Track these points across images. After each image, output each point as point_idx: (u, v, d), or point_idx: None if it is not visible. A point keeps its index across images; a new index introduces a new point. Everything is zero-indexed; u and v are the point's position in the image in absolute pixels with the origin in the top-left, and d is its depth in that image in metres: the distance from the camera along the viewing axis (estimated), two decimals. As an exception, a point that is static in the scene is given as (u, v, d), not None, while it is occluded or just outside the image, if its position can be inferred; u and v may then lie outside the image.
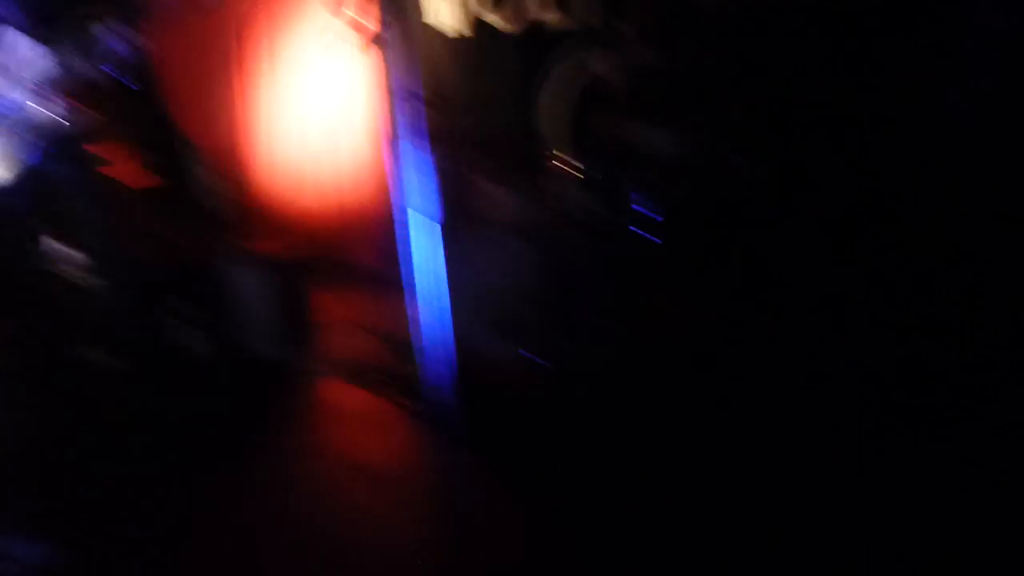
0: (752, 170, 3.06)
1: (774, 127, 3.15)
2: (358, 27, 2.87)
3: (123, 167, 3.67)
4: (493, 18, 4.13)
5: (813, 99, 3.10)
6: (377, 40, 3.27)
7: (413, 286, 3.05)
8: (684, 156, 3.20)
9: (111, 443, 2.93)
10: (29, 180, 2.76)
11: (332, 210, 4.72)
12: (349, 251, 4.72)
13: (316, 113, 4.63)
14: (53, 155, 2.77)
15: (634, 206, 3.21)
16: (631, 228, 3.22)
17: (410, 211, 3.01)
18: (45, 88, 2.63)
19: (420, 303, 3.04)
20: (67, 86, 2.69)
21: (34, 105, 2.65)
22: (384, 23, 3.18)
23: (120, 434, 2.97)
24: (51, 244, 2.97)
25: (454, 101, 4.27)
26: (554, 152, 3.80)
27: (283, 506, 2.70)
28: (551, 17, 3.95)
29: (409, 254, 3.05)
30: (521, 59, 4.11)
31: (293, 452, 3.09)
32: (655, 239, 3.20)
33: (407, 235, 3.03)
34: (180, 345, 3.28)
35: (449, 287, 3.03)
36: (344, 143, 4.57)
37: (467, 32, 4.21)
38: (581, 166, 3.33)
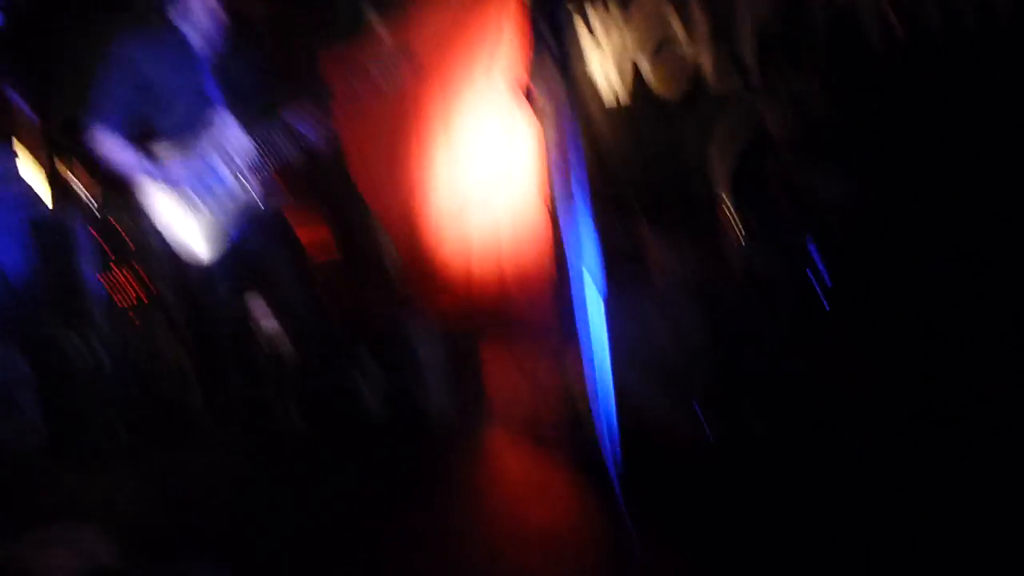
0: (928, 219, 2.88)
1: (950, 176, 2.97)
2: (525, 93, 3.00)
3: (313, 237, 4.01)
4: (656, 77, 4.21)
5: (989, 148, 2.92)
6: (542, 104, 3.40)
7: (581, 345, 3.06)
8: (856, 207, 3.06)
9: (291, 490, 3.12)
10: (233, 250, 3.05)
11: (502, 272, 4.86)
12: (518, 312, 4.82)
13: (487, 180, 4.82)
14: (254, 227, 3.05)
15: (806, 259, 3.09)
16: (803, 281, 3.09)
17: (577, 270, 3.04)
18: (247, 166, 2.93)
19: (588, 362, 3.04)
20: (266, 164, 2.98)
21: (238, 181, 2.95)
22: (549, 88, 3.30)
23: (299, 482, 3.16)
24: (253, 307, 3.25)
25: (619, 158, 4.35)
26: (722, 206, 3.75)
27: (451, 565, 2.74)
28: (715, 72, 4.00)
29: (577, 313, 3.07)
30: (685, 114, 4.15)
31: (460, 511, 3.14)
32: (827, 292, 3.06)
33: (575, 294, 3.06)
34: (359, 402, 3.46)
35: (617, 346, 3.01)
36: (513, 206, 4.72)
37: (630, 89, 4.32)
38: (749, 219, 3.26)
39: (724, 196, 4.07)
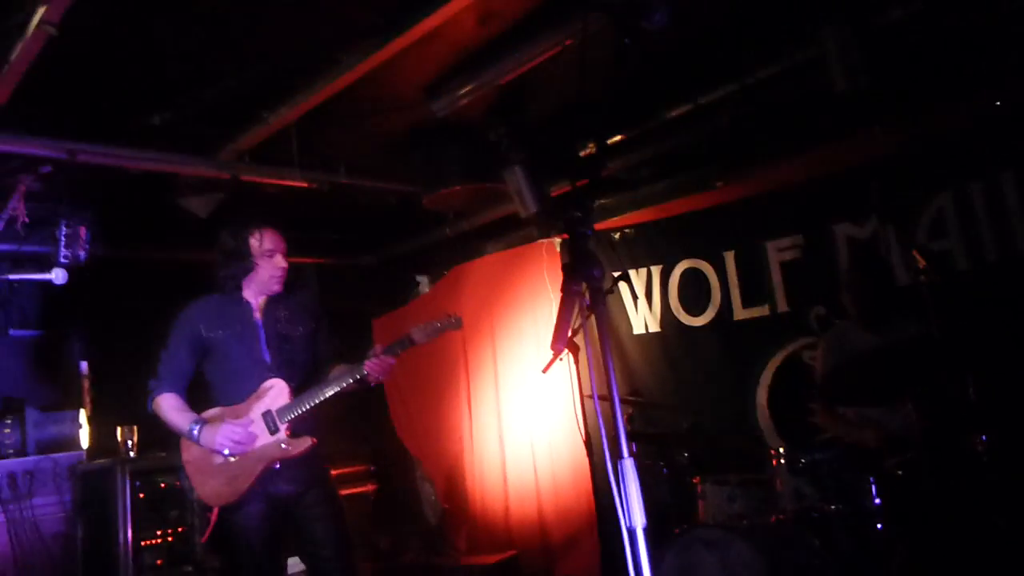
0: (981, 448, 2.77)
1: (1001, 402, 2.90)
2: (564, 339, 3.10)
3: (356, 487, 3.95)
4: (691, 316, 4.35)
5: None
6: (581, 347, 3.46)
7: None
8: (906, 439, 2.97)
9: None
10: (272, 504, 3.02)
11: (542, 517, 4.70)
12: (559, 556, 4.59)
13: (527, 423, 4.83)
14: (292, 482, 3.04)
15: (859, 496, 2.95)
16: (857, 519, 2.93)
17: (620, 515, 2.91)
18: (289, 427, 3.01)
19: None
20: (308, 424, 3.06)
21: (278, 444, 3.01)
22: (586, 330, 3.39)
23: None
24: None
25: (658, 392, 4.35)
26: (769, 446, 3.66)
27: None
28: (754, 313, 4.09)
29: (621, 559, 2.90)
30: (726, 354, 4.23)
31: None
32: (881, 528, 2.88)
33: (618, 540, 2.90)
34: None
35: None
36: (552, 450, 4.68)
37: (671, 332, 4.42)
38: (798, 458, 3.15)
39: (767, 433, 3.99)
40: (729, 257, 4.24)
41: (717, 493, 3.41)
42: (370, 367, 2.98)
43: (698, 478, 3.49)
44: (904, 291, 3.49)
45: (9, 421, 4.32)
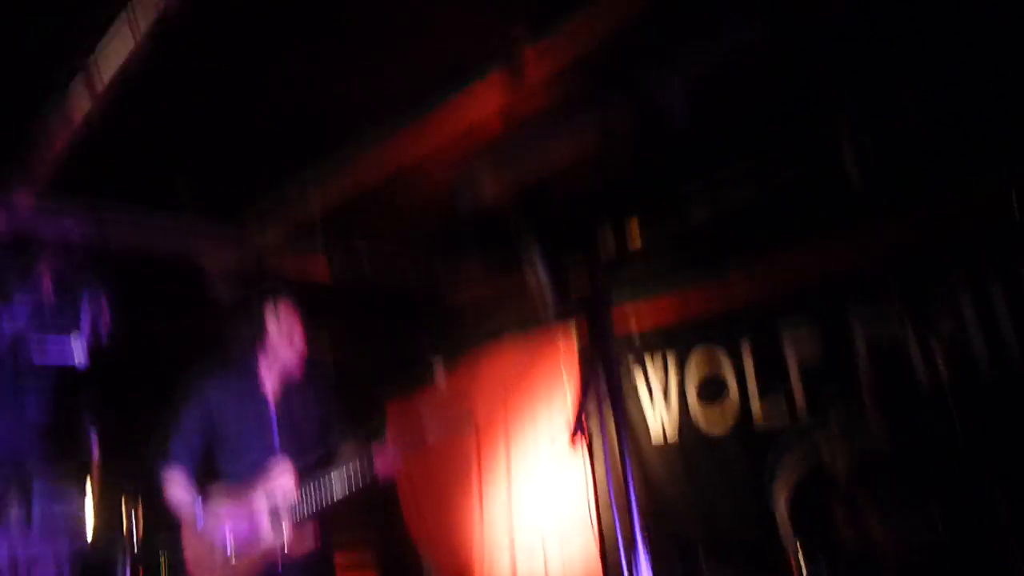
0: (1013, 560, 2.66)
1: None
2: (579, 434, 3.06)
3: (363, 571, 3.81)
4: (706, 415, 4.27)
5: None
6: (596, 444, 3.39)
7: None
8: (933, 546, 2.86)
9: None
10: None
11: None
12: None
13: (539, 520, 4.71)
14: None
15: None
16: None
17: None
18: (295, 511, 2.95)
19: None
20: (314, 510, 2.99)
21: (281, 528, 2.94)
22: (603, 427, 3.33)
23: None
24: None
25: (674, 496, 4.22)
26: (791, 545, 3.53)
27: None
28: (764, 410, 4.02)
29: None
30: (736, 450, 4.12)
31: None
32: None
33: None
34: None
35: None
36: (565, 548, 4.54)
37: (681, 427, 4.32)
38: (820, 562, 3.05)
39: (785, 533, 3.85)
40: (745, 345, 4.17)
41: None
42: (380, 458, 2.94)
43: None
44: (926, 390, 3.39)
45: (15, 493, 4.29)
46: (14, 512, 4.22)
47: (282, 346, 3.16)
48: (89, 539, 4.29)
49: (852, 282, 3.78)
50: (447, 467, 5.28)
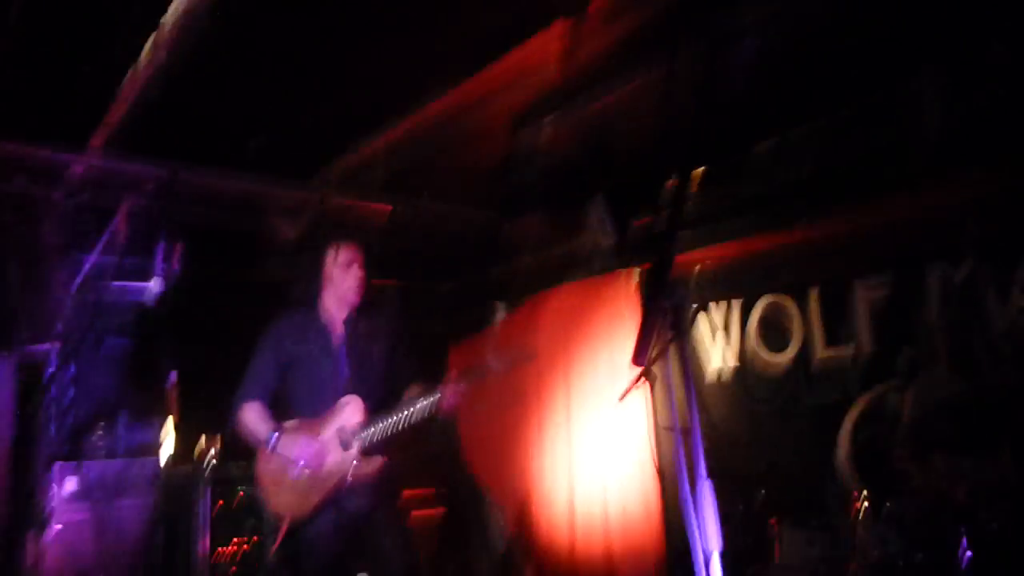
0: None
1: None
2: (642, 372, 3.08)
3: (425, 509, 3.95)
4: (771, 365, 4.23)
5: None
6: (659, 383, 3.42)
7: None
8: (1002, 491, 2.81)
9: None
10: (340, 522, 3.06)
11: (610, 549, 4.60)
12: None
13: (600, 455, 4.76)
14: (362, 502, 3.08)
15: (948, 549, 2.80)
16: (946, 572, 2.78)
17: (695, 552, 2.84)
18: (365, 445, 3.05)
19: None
20: (383, 444, 3.08)
21: (352, 460, 3.05)
22: (665, 366, 3.34)
23: None
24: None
25: (735, 434, 4.22)
26: (851, 491, 3.51)
27: None
28: (833, 361, 3.97)
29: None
30: (807, 395, 4.07)
31: None
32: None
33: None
34: None
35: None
36: (624, 484, 4.59)
37: (750, 369, 4.30)
38: (883, 505, 3.02)
39: (848, 480, 3.83)
40: (813, 294, 4.12)
41: (795, 536, 3.31)
42: (445, 392, 3.01)
43: (775, 519, 3.39)
44: (1000, 337, 3.32)
45: (103, 425, 4.55)
46: (101, 441, 4.48)
47: (346, 287, 3.25)
48: (170, 466, 4.53)
49: (928, 230, 3.67)
50: (509, 406, 5.35)
